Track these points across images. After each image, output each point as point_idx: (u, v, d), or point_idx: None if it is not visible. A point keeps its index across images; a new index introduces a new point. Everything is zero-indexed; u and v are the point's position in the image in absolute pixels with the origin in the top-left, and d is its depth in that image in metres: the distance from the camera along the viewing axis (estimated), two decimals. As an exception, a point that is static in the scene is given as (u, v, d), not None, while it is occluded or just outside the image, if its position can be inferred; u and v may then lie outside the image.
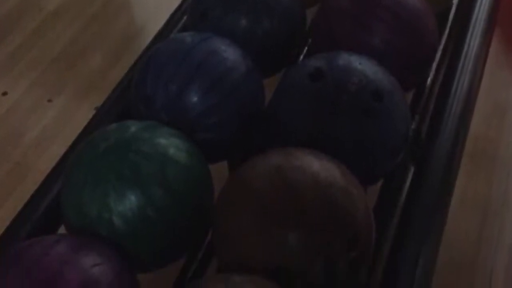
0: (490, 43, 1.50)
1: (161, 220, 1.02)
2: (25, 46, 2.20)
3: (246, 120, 1.22)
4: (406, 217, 1.12)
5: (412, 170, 1.22)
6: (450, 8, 1.60)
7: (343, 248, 0.93)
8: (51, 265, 0.90)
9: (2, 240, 1.10)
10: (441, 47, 1.47)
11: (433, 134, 1.24)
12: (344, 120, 1.11)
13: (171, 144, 1.07)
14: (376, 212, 1.08)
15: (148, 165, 1.02)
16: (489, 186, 1.67)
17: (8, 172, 1.79)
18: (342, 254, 0.93)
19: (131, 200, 1.00)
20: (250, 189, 0.97)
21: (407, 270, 1.03)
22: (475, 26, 1.45)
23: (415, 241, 1.07)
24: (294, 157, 0.99)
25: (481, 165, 1.72)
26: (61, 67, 2.12)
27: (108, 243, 1.00)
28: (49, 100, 1.99)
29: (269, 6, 1.37)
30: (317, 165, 0.97)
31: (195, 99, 1.16)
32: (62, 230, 1.13)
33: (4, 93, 2.02)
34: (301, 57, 1.51)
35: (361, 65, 1.15)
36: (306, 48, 1.53)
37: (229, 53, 1.21)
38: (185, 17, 1.50)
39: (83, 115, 1.65)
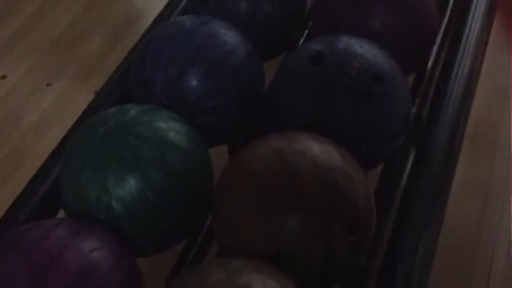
0: (491, 26, 1.49)
1: (161, 204, 1.02)
2: (25, 29, 2.18)
3: (246, 104, 1.21)
4: (406, 201, 1.12)
5: (412, 154, 1.21)
6: (451, -9, 1.59)
7: (343, 232, 0.93)
8: (50, 249, 0.90)
9: (1, 224, 1.10)
10: (441, 30, 1.46)
11: (434, 118, 1.23)
12: (344, 103, 1.10)
13: (170, 127, 1.06)
14: (377, 196, 1.08)
15: (148, 148, 1.02)
16: (490, 170, 1.67)
17: (7, 156, 1.79)
18: (341, 238, 0.93)
19: (131, 184, 1.00)
20: (250, 172, 0.97)
21: (407, 254, 1.03)
22: (476, 9, 1.43)
23: (415, 225, 1.07)
24: (294, 141, 0.98)
25: (482, 149, 1.72)
26: (61, 50, 2.10)
27: (107, 227, 1.00)
28: (48, 84, 1.98)
29: (269, -12, 1.36)
30: (317, 149, 0.97)
31: (194, 82, 1.16)
32: (61, 214, 1.13)
33: (3, 77, 2.01)
34: (302, 40, 1.50)
35: (362, 48, 1.14)
36: (306, 31, 1.52)
37: (229, 36, 1.21)
38: (185, 0, 1.49)
39: (83, 99, 1.65)
